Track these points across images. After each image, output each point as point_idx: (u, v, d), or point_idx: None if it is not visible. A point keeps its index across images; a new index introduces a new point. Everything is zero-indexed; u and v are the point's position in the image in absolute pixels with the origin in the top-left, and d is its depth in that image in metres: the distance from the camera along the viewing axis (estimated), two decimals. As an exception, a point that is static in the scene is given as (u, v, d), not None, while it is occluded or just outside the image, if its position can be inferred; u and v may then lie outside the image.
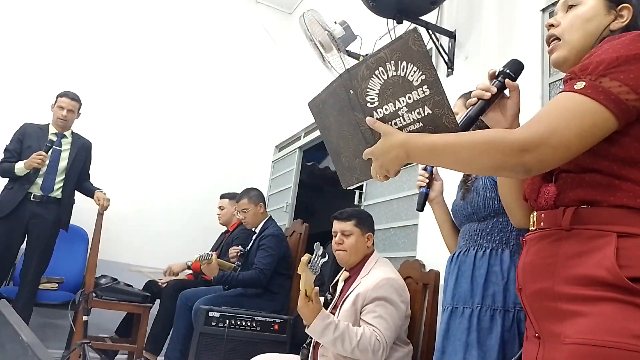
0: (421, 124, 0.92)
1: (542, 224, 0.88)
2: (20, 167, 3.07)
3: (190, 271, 3.57)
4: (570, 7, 0.96)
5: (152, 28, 4.48)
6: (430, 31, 2.37)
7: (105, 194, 3.31)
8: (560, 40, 0.95)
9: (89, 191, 3.36)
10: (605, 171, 0.80)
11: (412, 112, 0.91)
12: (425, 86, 0.88)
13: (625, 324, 0.72)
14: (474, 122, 0.96)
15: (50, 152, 3.12)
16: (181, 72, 4.55)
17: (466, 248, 1.47)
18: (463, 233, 1.53)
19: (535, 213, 0.92)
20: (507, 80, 0.96)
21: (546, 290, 0.83)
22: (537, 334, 0.85)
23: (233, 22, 4.84)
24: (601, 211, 0.80)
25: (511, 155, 0.79)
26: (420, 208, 1.50)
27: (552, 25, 0.97)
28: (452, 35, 2.45)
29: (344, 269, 2.17)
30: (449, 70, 2.43)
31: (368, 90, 0.93)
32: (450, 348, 1.38)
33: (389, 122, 0.94)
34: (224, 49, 4.76)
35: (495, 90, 0.96)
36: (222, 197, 3.80)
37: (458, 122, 0.91)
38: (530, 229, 0.93)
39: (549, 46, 0.97)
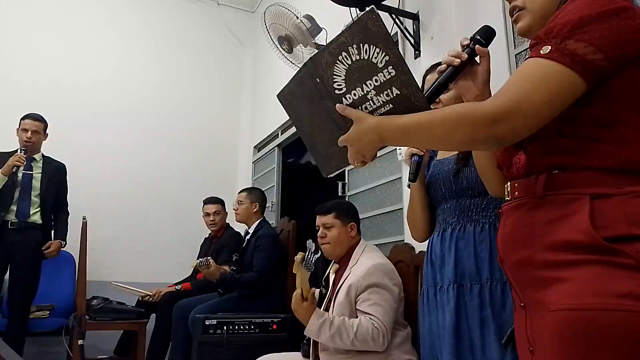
0: (391, 106, 0.91)
1: (516, 193, 0.88)
2: None
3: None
4: None
5: (119, 40, 4.41)
6: (393, 15, 2.38)
7: (63, 243, 3.25)
8: (523, 9, 0.94)
9: (57, 232, 3.28)
10: (575, 134, 0.80)
11: (381, 95, 0.91)
12: (390, 67, 0.88)
13: (607, 285, 0.72)
14: (443, 89, 0.94)
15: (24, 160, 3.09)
16: (152, 82, 4.48)
17: (461, 224, 1.41)
18: (449, 209, 1.46)
19: (509, 183, 0.91)
20: (477, 46, 0.95)
21: (526, 260, 0.82)
22: (522, 304, 0.85)
23: (198, 26, 4.79)
24: (573, 175, 0.80)
25: (483, 128, 0.79)
26: (414, 178, 1.39)
27: None
28: (415, 17, 2.46)
29: (333, 261, 2.17)
30: (416, 52, 2.44)
31: (334, 76, 0.93)
32: (464, 325, 1.33)
33: (359, 107, 0.93)
34: (192, 54, 4.71)
35: (465, 56, 0.94)
36: (215, 201, 3.62)
37: (427, 89, 0.90)
38: (505, 199, 0.93)
39: (512, 17, 0.97)
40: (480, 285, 1.34)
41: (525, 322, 0.84)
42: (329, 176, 1.13)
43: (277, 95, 1.06)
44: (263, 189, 4.33)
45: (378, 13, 0.86)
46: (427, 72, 1.58)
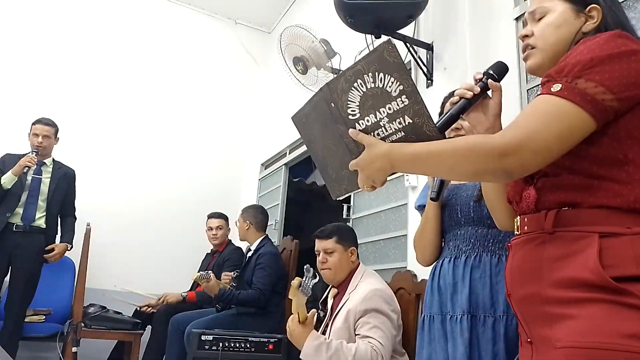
0: (403, 134, 0.93)
1: (525, 228, 0.89)
2: (7, 176, 3.02)
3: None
4: (540, 18, 0.97)
5: (134, 53, 4.49)
6: (408, 44, 2.42)
7: (69, 247, 3.25)
8: (534, 48, 0.96)
9: (63, 235, 3.28)
10: (585, 172, 0.81)
11: (393, 122, 0.92)
12: (404, 96, 0.90)
13: (614, 325, 0.72)
14: (454, 120, 0.96)
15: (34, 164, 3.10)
16: (164, 95, 4.55)
17: (476, 253, 1.40)
18: (463, 236, 1.44)
19: (518, 217, 0.92)
20: (489, 80, 0.97)
21: (534, 295, 0.83)
22: (529, 339, 0.85)
23: (214, 44, 4.88)
24: (582, 212, 0.81)
25: (492, 161, 0.80)
26: (437, 196, 1.39)
27: (527, 36, 0.98)
28: (429, 47, 2.50)
29: (331, 285, 2.16)
30: (429, 81, 2.47)
31: (348, 102, 0.95)
32: (476, 358, 1.32)
33: (372, 133, 0.95)
34: (207, 70, 4.79)
35: (478, 89, 0.96)
36: (219, 216, 3.71)
37: (439, 120, 0.92)
38: (515, 233, 0.93)
39: (523, 55, 0.99)
40: (495, 318, 1.33)
41: (531, 357, 0.84)
42: (337, 199, 1.14)
43: (292, 118, 1.08)
44: (267, 207, 4.34)
45: (394, 44, 0.88)
46: (446, 98, 1.61)
